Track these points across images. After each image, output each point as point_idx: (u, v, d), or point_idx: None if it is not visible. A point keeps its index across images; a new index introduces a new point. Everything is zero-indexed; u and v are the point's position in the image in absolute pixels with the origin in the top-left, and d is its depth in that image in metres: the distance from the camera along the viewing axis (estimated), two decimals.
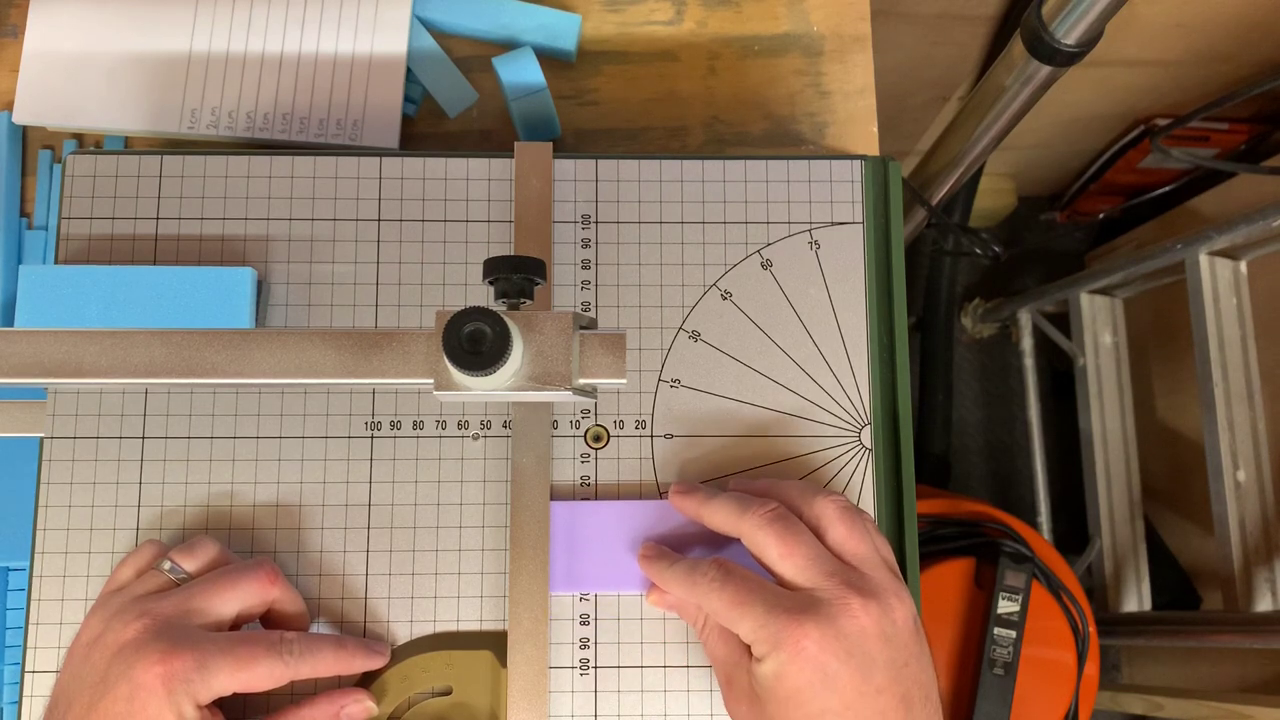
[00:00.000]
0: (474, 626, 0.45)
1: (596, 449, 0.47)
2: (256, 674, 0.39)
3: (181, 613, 0.39)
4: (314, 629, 0.45)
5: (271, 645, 0.40)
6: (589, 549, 0.45)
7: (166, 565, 0.42)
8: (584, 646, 0.45)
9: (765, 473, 0.47)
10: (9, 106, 0.53)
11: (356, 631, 0.45)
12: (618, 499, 0.46)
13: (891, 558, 0.42)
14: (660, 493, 0.46)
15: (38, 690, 0.44)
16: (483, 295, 0.47)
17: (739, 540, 0.42)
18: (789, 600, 0.39)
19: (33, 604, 0.45)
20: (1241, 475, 0.99)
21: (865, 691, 0.38)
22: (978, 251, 1.06)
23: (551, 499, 0.46)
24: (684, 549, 0.45)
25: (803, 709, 0.38)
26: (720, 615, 0.40)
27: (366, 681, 0.44)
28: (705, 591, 0.40)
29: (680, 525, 0.45)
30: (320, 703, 0.42)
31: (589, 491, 0.46)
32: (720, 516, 0.42)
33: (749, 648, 0.39)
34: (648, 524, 0.45)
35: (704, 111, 0.55)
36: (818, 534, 0.41)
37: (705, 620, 0.43)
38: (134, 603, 0.40)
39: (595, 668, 0.45)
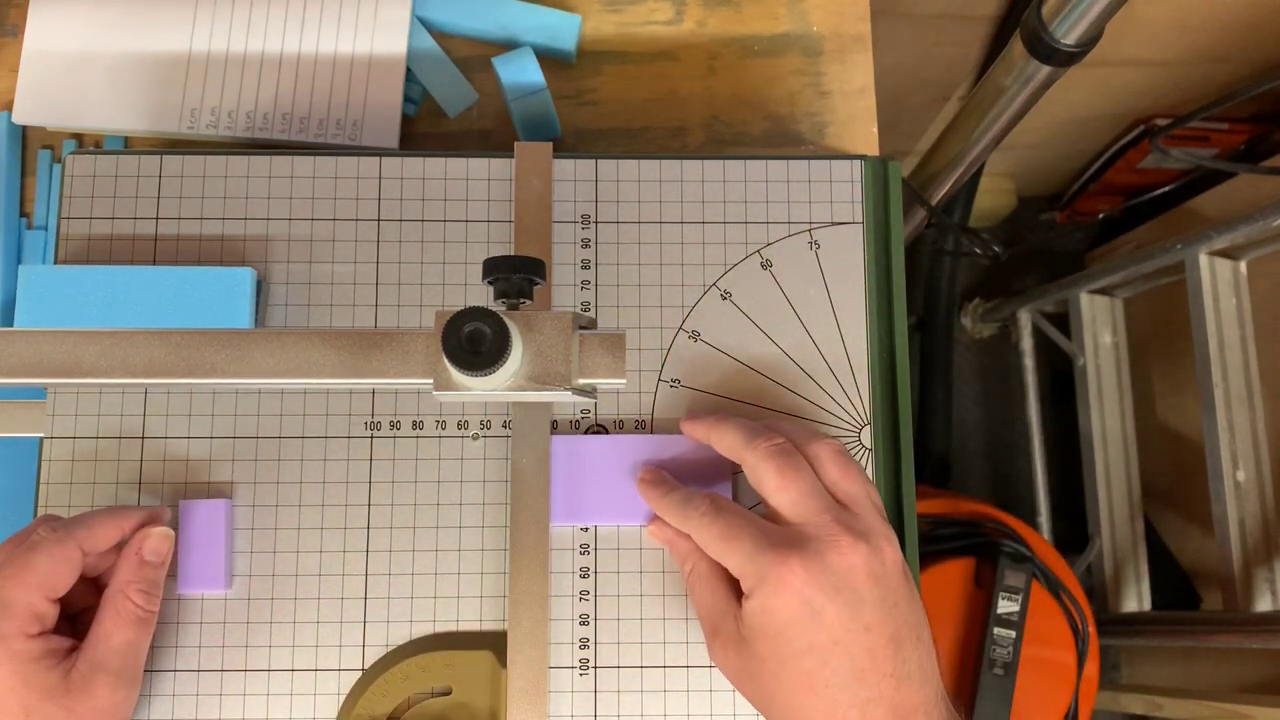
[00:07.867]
0: (474, 626, 0.45)
1: None
2: (39, 568, 0.38)
3: None
4: (312, 626, 0.45)
5: (35, 535, 0.39)
6: (588, 482, 0.46)
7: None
8: (584, 646, 0.45)
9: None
10: (9, 106, 0.53)
11: (357, 632, 0.45)
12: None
13: (882, 506, 0.42)
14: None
15: None
16: (483, 295, 0.47)
17: (729, 481, 0.44)
18: (777, 535, 0.39)
19: None
20: (1241, 475, 0.99)
21: (853, 628, 0.38)
22: (978, 251, 1.06)
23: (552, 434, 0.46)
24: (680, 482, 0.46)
25: (790, 645, 0.38)
26: (710, 547, 0.41)
27: (366, 682, 0.44)
28: (697, 523, 0.41)
29: (678, 458, 0.46)
30: (120, 562, 0.41)
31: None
32: (728, 440, 0.43)
33: (736, 595, 0.40)
34: (645, 457, 0.46)
35: (704, 111, 0.55)
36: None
37: (692, 567, 0.43)
38: None
39: (595, 668, 0.45)
